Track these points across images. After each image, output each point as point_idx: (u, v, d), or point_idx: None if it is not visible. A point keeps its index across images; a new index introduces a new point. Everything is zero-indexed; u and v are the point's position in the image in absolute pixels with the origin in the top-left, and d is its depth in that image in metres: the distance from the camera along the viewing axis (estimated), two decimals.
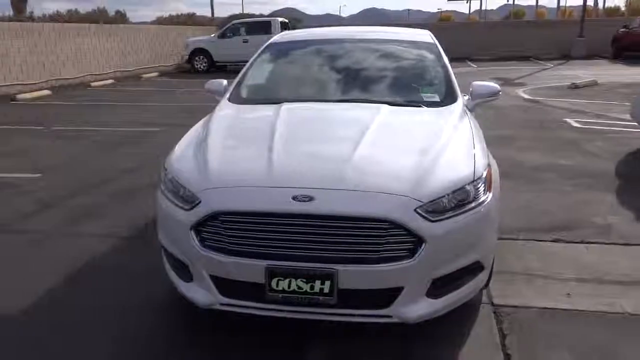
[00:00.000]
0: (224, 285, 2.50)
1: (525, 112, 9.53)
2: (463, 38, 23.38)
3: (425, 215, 2.36)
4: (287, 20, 20.99)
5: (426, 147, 2.76)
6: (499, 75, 14.62)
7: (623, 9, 56.92)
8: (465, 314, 2.85)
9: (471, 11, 49.55)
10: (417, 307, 2.44)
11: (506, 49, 24.06)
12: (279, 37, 4.70)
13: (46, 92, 13.39)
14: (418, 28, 5.45)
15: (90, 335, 2.81)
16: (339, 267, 2.31)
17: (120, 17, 42.91)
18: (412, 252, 2.34)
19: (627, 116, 7.75)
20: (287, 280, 2.36)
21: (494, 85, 3.84)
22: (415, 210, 2.35)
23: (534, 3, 43.47)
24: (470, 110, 3.60)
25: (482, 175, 2.62)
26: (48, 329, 2.86)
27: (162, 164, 2.95)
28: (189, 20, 33.29)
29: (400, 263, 2.33)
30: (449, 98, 3.57)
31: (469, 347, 2.65)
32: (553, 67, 19.23)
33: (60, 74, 14.81)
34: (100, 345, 2.73)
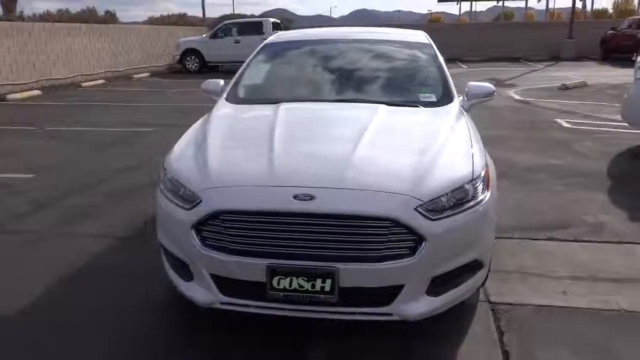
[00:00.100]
0: (225, 284, 2.51)
1: (516, 112, 9.61)
2: (453, 39, 23.48)
3: (426, 214, 2.38)
4: (279, 21, 20.99)
5: (425, 146, 2.79)
6: (490, 76, 14.71)
7: (610, 11, 57.64)
8: (463, 312, 2.88)
9: (461, 12, 49.80)
10: (417, 305, 2.46)
11: (496, 50, 24.25)
12: (276, 37, 4.71)
13: (37, 92, 13.28)
14: (409, 29, 5.48)
15: (88, 335, 2.80)
16: (340, 266, 2.33)
17: (110, 17, 42.71)
18: (412, 251, 2.37)
19: (617, 117, 7.86)
20: (288, 279, 2.37)
21: (489, 85, 3.88)
22: (415, 208, 2.37)
23: (523, 5, 43.79)
24: (467, 111, 3.64)
25: (480, 174, 2.66)
26: (46, 329, 2.85)
27: (161, 164, 2.95)
28: (180, 20, 33.23)
29: (400, 261, 2.35)
30: (445, 98, 3.61)
31: (467, 344, 2.67)
32: (543, 68, 19.42)
33: (51, 74, 14.70)
34: (100, 345, 2.72)
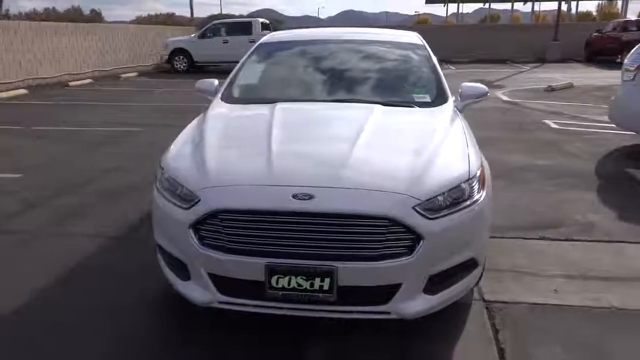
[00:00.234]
0: (223, 283, 2.51)
1: (504, 113, 9.71)
2: (441, 41, 23.54)
3: (423, 213, 2.40)
4: (268, 22, 20.94)
5: (421, 146, 2.81)
6: (478, 78, 14.83)
7: (594, 14, 58.48)
8: (458, 310, 2.91)
9: (448, 14, 50.09)
10: (414, 304, 2.48)
11: (483, 52, 24.46)
12: (270, 37, 4.72)
13: (23, 91, 13.12)
14: (401, 30, 5.51)
15: (84, 335, 2.78)
16: (339, 265, 2.34)
17: (96, 16, 42.33)
18: (410, 249, 2.39)
19: (603, 118, 8.00)
20: (287, 278, 2.38)
21: (482, 86, 3.92)
22: (413, 208, 2.40)
23: (509, 7, 44.22)
24: (460, 111, 3.68)
25: (476, 174, 2.69)
26: (41, 329, 2.83)
27: (158, 163, 2.94)
28: (168, 20, 33.05)
29: (398, 260, 2.37)
30: (440, 98, 3.64)
31: (463, 342, 2.70)
32: (529, 70, 19.63)
33: (37, 73, 14.52)
34: (97, 345, 2.70)
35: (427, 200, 2.44)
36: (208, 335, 2.75)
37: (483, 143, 3.16)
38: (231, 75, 4.08)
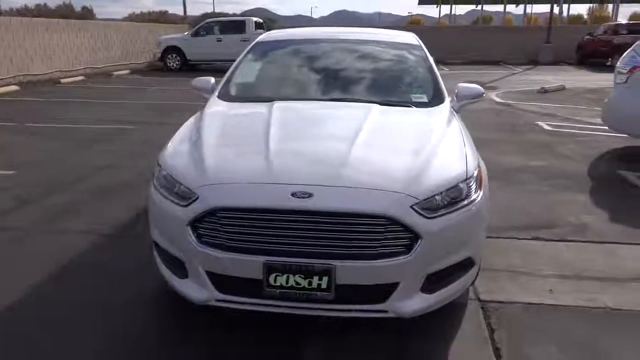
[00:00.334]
0: (220, 281, 2.50)
1: (498, 115, 9.76)
2: (434, 42, 23.51)
3: (421, 212, 2.41)
4: (261, 21, 20.90)
5: (420, 146, 2.82)
6: (472, 79, 14.86)
7: (585, 17, 58.96)
8: (454, 309, 2.92)
9: (441, 15, 50.24)
10: (412, 302, 2.49)
11: (476, 54, 24.57)
12: (267, 36, 4.71)
13: (14, 87, 13.00)
14: (396, 30, 5.53)
15: (80, 333, 2.77)
16: (337, 263, 2.34)
17: (88, 13, 42.04)
18: (408, 248, 2.39)
19: (595, 120, 8.06)
20: (285, 276, 2.38)
21: (478, 87, 3.94)
22: (411, 207, 2.40)
23: (501, 9, 44.45)
24: (457, 112, 3.69)
25: (473, 174, 2.70)
26: (37, 326, 2.81)
27: (156, 160, 2.93)
28: (161, 17, 32.85)
29: (396, 259, 2.38)
30: (436, 99, 3.66)
31: (459, 341, 2.72)
32: (522, 71, 19.76)
33: (29, 70, 14.39)
34: (93, 342, 2.69)
35: (425, 199, 2.45)
36: (205, 334, 2.74)
37: (477, 144, 3.18)
38: (228, 73, 4.07)
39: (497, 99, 11.64)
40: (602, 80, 14.86)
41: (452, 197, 2.54)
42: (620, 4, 35.93)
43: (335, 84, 3.88)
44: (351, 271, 2.37)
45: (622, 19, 32.55)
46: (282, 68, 4.28)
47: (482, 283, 3.23)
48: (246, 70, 4.15)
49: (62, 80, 14.98)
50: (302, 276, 2.37)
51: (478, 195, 2.66)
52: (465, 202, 2.58)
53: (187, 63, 19.20)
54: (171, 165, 2.78)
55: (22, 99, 11.72)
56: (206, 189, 2.50)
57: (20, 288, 3.17)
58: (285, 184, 2.46)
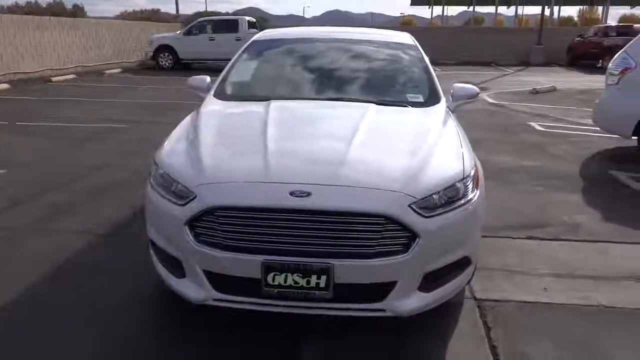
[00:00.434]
0: (218, 280, 2.50)
1: (490, 115, 9.81)
2: (426, 42, 23.35)
3: (419, 211, 2.43)
4: (254, 20, 20.87)
5: (417, 145, 2.84)
6: (464, 80, 14.84)
7: (576, 19, 59.46)
8: (450, 308, 2.94)
9: (433, 16, 50.41)
10: (409, 301, 2.50)
11: (468, 55, 24.67)
12: (263, 35, 4.71)
13: (5, 85, 12.87)
14: (392, 30, 5.55)
15: (79, 333, 2.75)
16: (335, 262, 2.35)
17: (79, 11, 41.70)
18: (406, 247, 2.41)
19: (586, 120, 8.14)
20: (283, 275, 2.38)
21: (473, 87, 3.97)
22: (409, 206, 2.41)
23: (492, 10, 44.69)
24: (452, 112, 3.71)
25: (470, 173, 2.72)
26: (35, 327, 2.79)
27: (153, 159, 2.91)
28: (153, 16, 32.61)
29: (394, 258, 2.39)
30: (432, 99, 3.68)
31: (456, 339, 2.73)
32: (513, 72, 19.87)
33: (19, 68, 14.25)
34: (92, 343, 2.67)
35: (423, 198, 2.46)
36: (203, 334, 2.73)
37: (471, 144, 3.21)
38: (224, 72, 4.06)
39: (490, 100, 11.71)
40: (592, 81, 14.99)
41: (449, 196, 2.56)
42: (609, 6, 36.25)
43: (332, 83, 3.88)
44: (349, 270, 2.38)
45: (612, 21, 32.89)
46: (278, 67, 4.28)
47: (478, 282, 3.25)
48: (242, 69, 4.15)
49: (54, 79, 14.86)
50: (301, 275, 2.37)
51: (475, 195, 2.68)
52: (462, 201, 2.59)
53: (180, 62, 19.12)
54: (168, 163, 2.77)
55: (13, 97, 11.60)
56: (204, 187, 2.50)
57: (14, 288, 3.15)
58: (283, 183, 2.46)
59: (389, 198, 2.42)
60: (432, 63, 4.30)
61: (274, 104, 3.39)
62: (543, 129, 8.45)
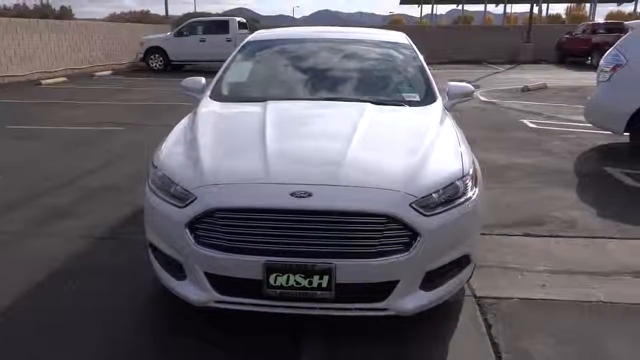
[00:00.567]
0: (219, 282, 2.49)
1: (483, 113, 9.86)
2: (417, 42, 23.62)
3: (420, 210, 2.43)
4: (245, 20, 20.82)
5: (416, 144, 2.84)
6: (456, 78, 15.01)
7: (564, 16, 59.94)
8: (451, 306, 2.94)
9: (422, 15, 50.60)
10: (411, 300, 2.50)
11: (458, 53, 24.78)
12: (257, 35, 4.70)
13: None
14: (384, 30, 5.56)
15: (76, 336, 2.73)
16: (337, 262, 2.35)
17: (67, 13, 41.42)
18: (407, 246, 2.41)
19: (578, 117, 8.18)
20: (285, 276, 2.37)
21: (468, 86, 3.98)
22: (410, 205, 2.42)
23: (481, 9, 44.96)
24: (448, 110, 3.72)
25: (469, 171, 2.73)
26: (33, 331, 2.76)
27: (151, 161, 2.89)
28: (143, 17, 32.47)
29: (396, 257, 2.39)
30: (429, 98, 3.69)
31: (457, 337, 2.74)
32: (504, 70, 20.00)
33: (8, 71, 14.14)
34: (89, 345, 2.65)
35: (423, 197, 2.47)
36: (205, 336, 2.71)
37: None
38: (219, 73, 4.04)
39: (482, 98, 11.76)
40: (582, 78, 15.13)
41: (449, 194, 2.56)
42: (597, 4, 36.58)
43: (329, 83, 3.88)
44: (351, 270, 2.38)
45: (599, 18, 33.21)
46: (274, 68, 4.26)
47: (477, 280, 3.25)
48: (238, 70, 4.13)
49: (43, 82, 14.70)
50: (303, 276, 2.36)
51: (474, 193, 2.69)
52: (462, 199, 2.60)
53: (170, 63, 19.03)
54: (167, 165, 2.75)
55: (2, 100, 11.49)
56: (204, 189, 2.49)
57: (10, 292, 3.11)
58: (284, 183, 2.45)
59: (389, 197, 2.42)
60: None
61: (272, 105, 3.38)
62: (536, 126, 8.49)
